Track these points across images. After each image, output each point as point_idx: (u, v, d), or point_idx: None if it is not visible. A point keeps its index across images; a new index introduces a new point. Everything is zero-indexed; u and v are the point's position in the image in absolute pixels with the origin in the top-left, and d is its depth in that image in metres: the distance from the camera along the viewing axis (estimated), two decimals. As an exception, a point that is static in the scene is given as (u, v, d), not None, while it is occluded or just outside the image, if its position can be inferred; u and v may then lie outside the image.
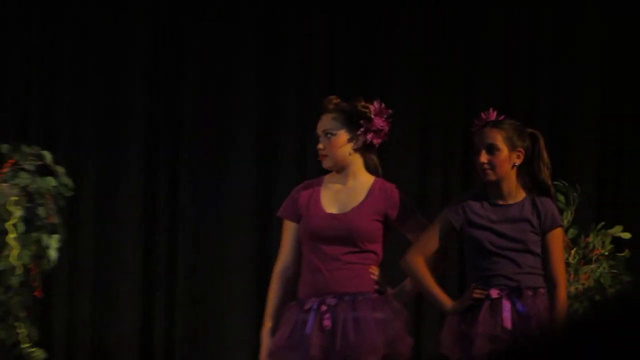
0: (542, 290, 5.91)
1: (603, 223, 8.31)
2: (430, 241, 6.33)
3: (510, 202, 6.21)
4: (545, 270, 6.00)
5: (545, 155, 6.24)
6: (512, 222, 6.18)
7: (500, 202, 6.22)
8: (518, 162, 6.12)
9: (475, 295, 5.95)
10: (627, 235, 8.14)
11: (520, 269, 5.99)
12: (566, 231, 7.81)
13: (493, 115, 6.15)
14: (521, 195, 6.21)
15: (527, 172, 6.25)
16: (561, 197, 8.00)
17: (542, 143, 6.24)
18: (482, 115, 6.23)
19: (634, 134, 9.75)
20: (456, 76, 9.76)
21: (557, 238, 6.23)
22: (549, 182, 6.28)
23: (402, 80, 9.48)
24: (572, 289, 7.59)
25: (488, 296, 5.98)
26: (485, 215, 6.22)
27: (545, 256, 6.04)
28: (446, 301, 6.17)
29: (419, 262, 6.32)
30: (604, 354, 0.79)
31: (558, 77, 9.84)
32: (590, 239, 8.13)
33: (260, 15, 9.96)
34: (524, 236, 6.12)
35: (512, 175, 6.15)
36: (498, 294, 5.98)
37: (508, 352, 0.88)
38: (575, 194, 8.13)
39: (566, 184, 8.15)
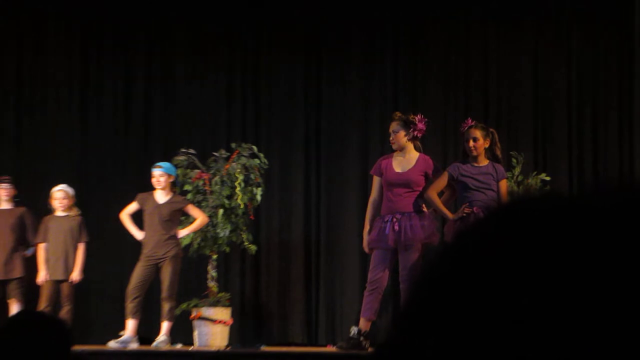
0: None
1: (536, 172, 10.29)
2: (440, 184, 8.34)
3: (481, 165, 8.24)
4: (498, 200, 7.70)
5: (498, 142, 8.41)
6: (483, 174, 8.20)
7: (476, 165, 8.25)
8: (487, 145, 8.27)
9: (466, 210, 7.99)
10: (548, 178, 10.10)
11: (488, 197, 8.05)
12: (516, 177, 9.98)
13: (472, 122, 8.41)
14: (486, 162, 8.27)
15: (489, 150, 8.32)
16: (514, 161, 10.00)
17: (496, 136, 8.45)
18: (467, 121, 8.48)
19: (556, 118, 11.06)
20: (450, 92, 11.23)
21: (504, 184, 8.36)
22: (500, 156, 8.37)
23: (432, 101, 11.03)
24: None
25: (472, 211, 7.95)
26: (469, 171, 8.22)
27: (498, 193, 8.17)
28: (449, 214, 8.19)
29: (433, 194, 8.28)
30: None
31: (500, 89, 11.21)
32: (529, 180, 10.02)
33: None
34: (489, 181, 8.20)
35: (483, 152, 8.27)
36: (477, 210, 7.93)
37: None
38: (522, 158, 10.11)
39: (517, 153, 10.16)
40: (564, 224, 0.72)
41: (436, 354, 0.72)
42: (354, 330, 8.38)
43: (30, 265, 9.94)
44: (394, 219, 8.27)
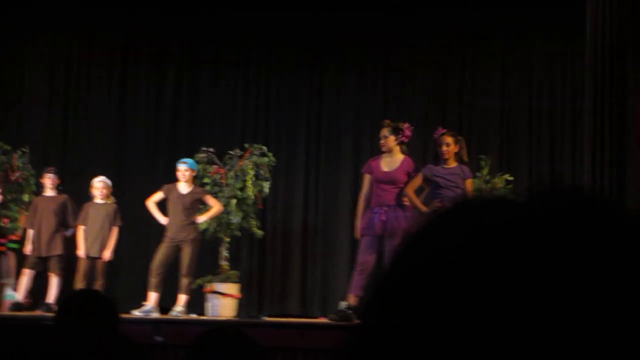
0: None
1: (501, 172, 10.27)
2: (416, 182, 8.26)
3: (451, 166, 8.19)
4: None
5: (465, 147, 8.37)
6: (452, 174, 8.17)
7: (446, 166, 8.19)
8: (456, 150, 8.21)
9: (438, 205, 7.83)
10: (511, 178, 10.03)
11: (456, 194, 7.83)
12: (484, 177, 9.88)
13: (442, 130, 8.41)
14: (455, 164, 8.22)
15: (458, 154, 8.25)
16: (483, 163, 10.00)
17: (464, 142, 8.41)
18: (439, 130, 8.44)
19: (518, 126, 11.09)
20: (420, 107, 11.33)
21: (470, 183, 8.32)
22: (466, 159, 8.34)
23: (416, 111, 11.12)
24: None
25: (443, 206, 8.46)
26: (440, 171, 8.17)
27: (464, 190, 8.03)
28: (423, 208, 8.04)
29: (410, 191, 8.20)
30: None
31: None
32: (495, 179, 9.92)
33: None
34: (457, 180, 8.15)
35: (453, 156, 8.22)
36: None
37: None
38: (489, 160, 10.12)
39: (485, 156, 10.17)
40: (500, 225, 0.69)
41: (395, 332, 0.68)
42: (343, 304, 8.29)
43: (70, 245, 9.93)
44: (382, 211, 8.23)
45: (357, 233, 8.51)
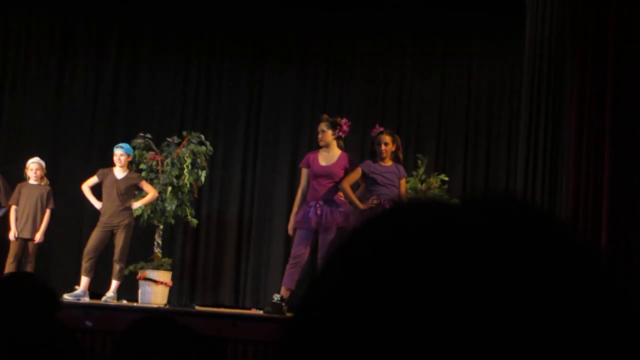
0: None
1: (436, 172, 10.28)
2: (354, 177, 8.29)
3: (388, 164, 8.22)
4: (399, 194, 7.93)
5: (401, 146, 8.39)
6: (389, 172, 8.18)
7: (383, 164, 8.22)
8: (393, 149, 8.24)
9: (374, 202, 7.95)
10: (446, 178, 10.13)
11: (391, 192, 8.03)
12: (420, 176, 9.91)
13: (381, 128, 8.41)
14: (391, 162, 8.24)
15: (394, 153, 8.26)
16: (419, 162, 9.98)
17: (399, 141, 8.42)
18: (376, 127, 8.45)
19: (456, 128, 11.09)
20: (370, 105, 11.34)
21: (404, 182, 8.34)
22: (402, 158, 8.36)
23: (354, 107, 11.11)
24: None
25: (380, 203, 7.89)
26: (378, 169, 8.19)
27: (399, 189, 8.02)
28: (359, 204, 8.07)
29: (347, 186, 8.22)
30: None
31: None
32: (431, 179, 10.00)
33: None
34: (393, 179, 8.19)
35: (390, 154, 8.25)
36: (384, 201, 7.87)
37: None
38: (425, 160, 10.07)
39: (422, 155, 10.19)
40: (429, 227, 0.70)
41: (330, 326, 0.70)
42: (276, 297, 8.28)
43: (2, 225, 9.85)
44: (317, 205, 8.25)
45: (291, 227, 8.48)
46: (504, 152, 11.07)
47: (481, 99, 11.33)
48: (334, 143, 8.48)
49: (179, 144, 10.28)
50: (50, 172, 10.16)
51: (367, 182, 8.30)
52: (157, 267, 9.81)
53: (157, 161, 10.12)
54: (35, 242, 9.75)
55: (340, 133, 8.47)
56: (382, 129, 8.45)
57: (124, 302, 9.54)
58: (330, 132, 8.42)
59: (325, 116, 8.67)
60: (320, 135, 8.49)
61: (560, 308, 0.67)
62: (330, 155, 8.44)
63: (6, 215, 9.89)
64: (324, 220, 8.19)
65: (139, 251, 10.08)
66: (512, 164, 10.27)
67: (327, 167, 8.37)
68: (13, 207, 9.83)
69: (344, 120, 8.50)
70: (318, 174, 8.36)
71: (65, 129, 11.34)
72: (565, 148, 7.35)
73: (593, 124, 6.94)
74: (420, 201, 0.76)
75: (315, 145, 8.95)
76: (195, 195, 10.42)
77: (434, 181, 10.02)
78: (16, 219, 9.77)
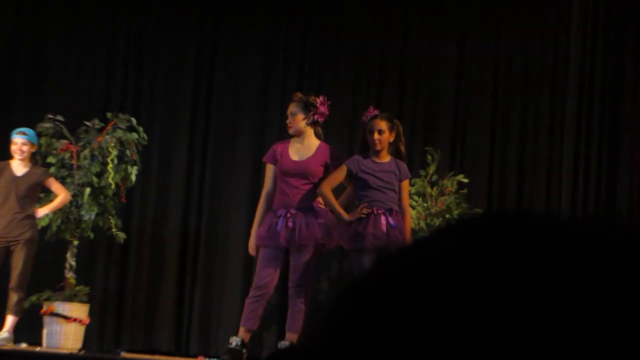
0: (397, 210, 7.81)
1: (452, 172, 10.37)
2: (337, 178, 8.24)
3: (384, 161, 8.15)
4: (399, 201, 8.04)
5: (402, 135, 8.22)
6: (385, 172, 8.12)
7: (378, 160, 8.15)
8: (391, 139, 8.10)
9: (365, 211, 7.95)
10: (465, 180, 10.23)
11: (388, 198, 8.04)
12: (430, 177, 10.03)
13: (375, 111, 8.23)
14: (389, 158, 8.14)
15: (393, 145, 8.21)
16: (429, 157, 10.19)
17: (401, 128, 8.23)
18: (370, 110, 8.29)
19: (479, 117, 11.21)
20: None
21: (406, 185, 8.27)
22: (404, 152, 8.25)
23: (340, 87, 11.19)
24: (433, 210, 9.75)
25: (373, 212, 7.93)
26: (370, 167, 8.11)
27: (399, 194, 8.13)
28: (344, 214, 8.08)
29: (327, 190, 8.19)
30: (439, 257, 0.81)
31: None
32: (445, 181, 10.17)
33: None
34: (392, 180, 8.12)
35: (387, 147, 8.17)
36: (377, 211, 7.97)
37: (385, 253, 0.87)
38: (437, 155, 10.22)
39: (433, 149, 10.32)
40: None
41: None
42: (234, 341, 8.27)
43: None
44: (288, 215, 8.17)
45: (251, 246, 8.33)
46: (545, 146, 10.90)
47: (514, 73, 11.12)
48: (309, 131, 8.30)
49: (101, 130, 10.05)
50: None
51: (356, 185, 8.06)
52: (69, 299, 9.69)
53: (71, 153, 9.96)
54: None
55: (316, 117, 8.27)
56: (376, 112, 8.15)
57: (24, 345, 9.50)
58: (301, 115, 8.29)
59: (298, 95, 8.46)
60: (289, 120, 8.32)
61: None
62: (304, 147, 8.30)
63: None
64: (298, 236, 8.09)
65: (45, 276, 9.97)
66: (556, 161, 10.55)
67: (300, 162, 8.21)
68: None
69: (320, 100, 8.30)
70: (288, 172, 8.18)
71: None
72: (626, 141, 7.24)
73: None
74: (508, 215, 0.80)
75: (287, 134, 8.70)
76: (123, 200, 10.19)
77: (449, 184, 10.00)
78: None
